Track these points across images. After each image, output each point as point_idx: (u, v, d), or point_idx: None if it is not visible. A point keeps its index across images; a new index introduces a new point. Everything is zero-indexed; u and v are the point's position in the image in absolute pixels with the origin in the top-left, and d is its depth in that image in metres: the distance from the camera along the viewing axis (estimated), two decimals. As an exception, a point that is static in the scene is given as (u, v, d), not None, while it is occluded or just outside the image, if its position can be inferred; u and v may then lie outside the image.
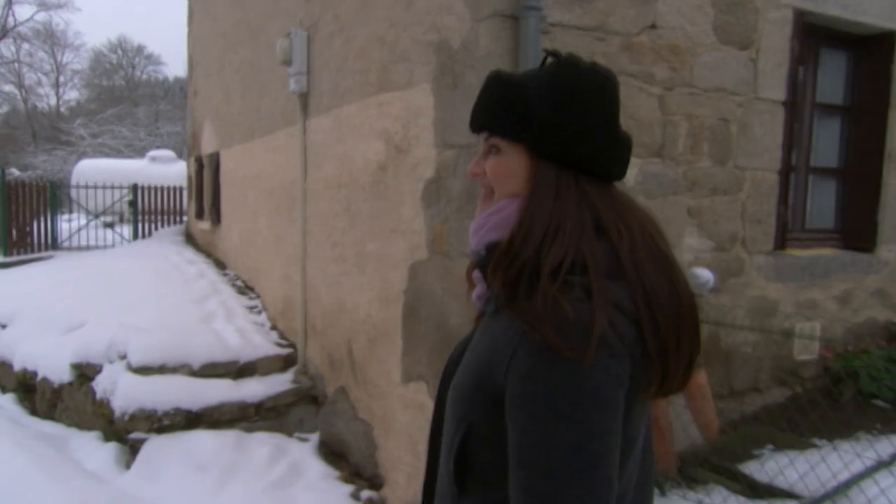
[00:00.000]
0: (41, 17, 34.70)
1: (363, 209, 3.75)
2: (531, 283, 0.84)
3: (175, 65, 69.90)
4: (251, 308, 6.04)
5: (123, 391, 4.30)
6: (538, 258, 0.85)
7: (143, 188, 10.31)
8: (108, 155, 26.84)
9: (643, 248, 0.87)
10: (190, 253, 8.55)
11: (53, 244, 9.57)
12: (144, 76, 54.36)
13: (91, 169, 12.05)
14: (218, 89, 8.15)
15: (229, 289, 6.59)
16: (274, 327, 5.62)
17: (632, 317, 0.82)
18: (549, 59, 0.96)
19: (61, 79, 48.86)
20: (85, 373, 4.97)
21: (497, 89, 0.95)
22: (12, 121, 40.48)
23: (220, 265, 7.80)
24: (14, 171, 12.12)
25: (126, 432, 4.20)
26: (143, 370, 4.44)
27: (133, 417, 4.18)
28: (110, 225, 11.11)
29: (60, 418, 5.13)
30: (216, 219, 8.21)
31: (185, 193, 10.71)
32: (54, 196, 9.49)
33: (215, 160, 8.18)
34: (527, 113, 0.91)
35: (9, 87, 37.48)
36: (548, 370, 0.77)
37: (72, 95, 49.54)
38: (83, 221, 10.50)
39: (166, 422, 4.20)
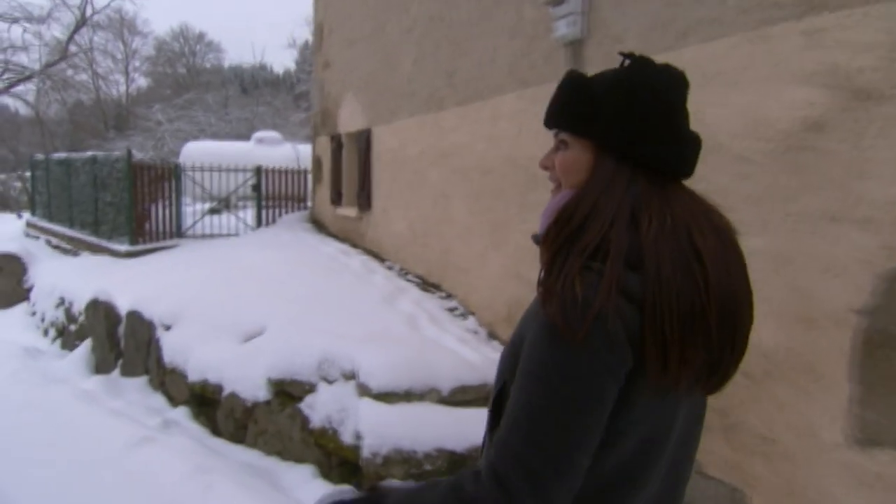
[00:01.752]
0: (112, 4, 34.74)
1: (750, 187, 2.68)
2: (563, 265, 0.88)
3: (234, 52, 70.32)
4: (451, 310, 5.08)
5: (369, 424, 3.37)
6: (573, 240, 0.90)
7: (266, 171, 9.52)
8: (183, 140, 26.64)
9: (670, 241, 0.88)
10: (334, 243, 7.68)
11: (178, 232, 8.87)
12: (207, 64, 54.85)
13: (198, 151, 11.39)
14: (368, 57, 7.20)
15: (410, 286, 5.65)
16: (493, 335, 4.64)
17: (639, 304, 0.84)
18: (627, 61, 0.99)
19: (130, 66, 49.60)
20: (288, 391, 4.09)
21: (568, 88, 1.01)
22: (85, 109, 41.07)
23: (375, 257, 6.89)
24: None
25: (378, 477, 3.27)
26: (387, 396, 3.50)
27: (388, 460, 3.24)
28: (217, 211, 10.40)
29: (256, 444, 4.28)
30: (365, 204, 7.30)
31: (308, 177, 9.90)
32: (178, 179, 8.78)
33: (364, 138, 7.25)
34: (592, 110, 0.96)
35: (81, 76, 37.85)
36: (545, 342, 0.85)
37: (140, 83, 50.32)
38: (196, 207, 9.78)
39: (427, 466, 3.25)
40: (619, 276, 0.84)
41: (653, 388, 0.87)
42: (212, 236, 8.90)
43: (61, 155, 11.89)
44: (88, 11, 33.12)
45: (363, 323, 4.54)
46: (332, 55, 8.45)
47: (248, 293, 5.54)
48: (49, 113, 36.39)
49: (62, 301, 7.25)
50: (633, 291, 0.85)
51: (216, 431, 4.61)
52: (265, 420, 4.21)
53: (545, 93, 3.79)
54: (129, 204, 8.45)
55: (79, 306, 6.84)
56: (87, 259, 8.80)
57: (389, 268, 6.38)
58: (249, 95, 40.31)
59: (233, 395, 4.37)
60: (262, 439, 4.24)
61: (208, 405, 4.71)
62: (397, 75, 6.39)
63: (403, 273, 6.15)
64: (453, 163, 5.25)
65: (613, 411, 0.85)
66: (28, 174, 16.51)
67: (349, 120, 7.84)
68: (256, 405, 4.25)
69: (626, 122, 0.94)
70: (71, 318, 6.93)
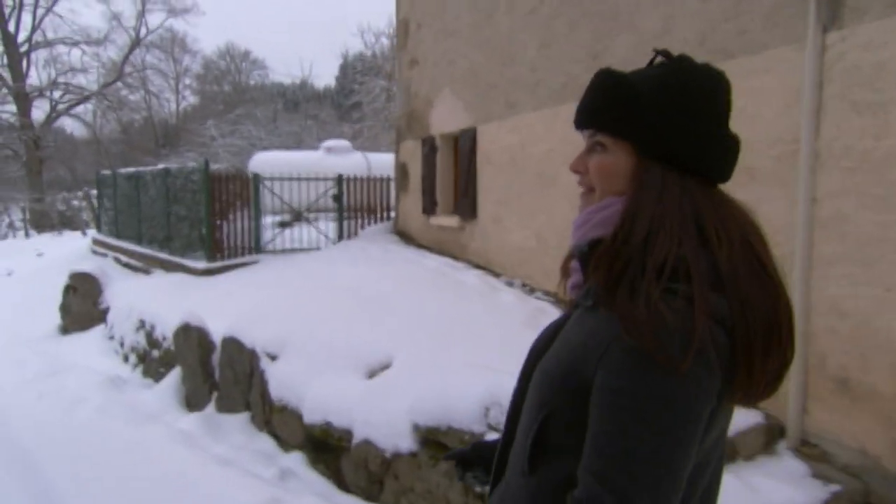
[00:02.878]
0: (164, 24, 35.26)
1: None
2: (633, 284, 0.83)
3: (280, 68, 71.29)
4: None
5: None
6: (640, 259, 0.84)
7: (347, 180, 8.86)
8: (237, 154, 26.55)
9: (742, 257, 0.86)
10: (432, 256, 6.94)
11: (256, 246, 8.27)
12: (252, 82, 55.59)
13: (268, 162, 10.86)
14: (471, 49, 6.46)
15: (547, 305, 4.84)
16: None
17: (728, 326, 0.82)
18: (658, 58, 0.95)
19: (180, 85, 50.55)
20: (442, 441, 3.32)
21: (606, 87, 0.94)
22: (136, 128, 41.66)
23: (485, 271, 6.11)
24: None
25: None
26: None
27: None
28: (287, 224, 9.79)
29: (397, 503, 3.52)
30: (468, 212, 6.54)
31: (389, 186, 9.22)
32: (257, 190, 8.19)
33: (468, 139, 6.51)
34: (636, 112, 0.90)
35: (134, 96, 38.39)
36: (640, 372, 0.78)
37: (190, 100, 51.20)
38: (265, 220, 9.18)
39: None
40: (709, 301, 0.81)
41: (728, 407, 0.87)
42: (292, 251, 8.27)
43: (130, 169, 11.53)
44: (143, 32, 33.80)
45: (515, 354, 3.74)
46: (422, 52, 7.75)
47: (358, 316, 4.82)
48: (104, 133, 37.12)
49: (142, 324, 6.69)
50: (723, 315, 0.82)
51: (342, 485, 3.87)
52: (410, 476, 3.44)
53: (758, 66, 2.83)
54: (205, 217, 7.88)
55: (161, 330, 6.25)
56: (162, 278, 8.28)
57: (509, 284, 5.59)
58: (295, 110, 40.60)
59: (366, 443, 3.62)
60: (407, 499, 3.47)
61: (329, 451, 3.98)
62: (514, 65, 5.62)
63: (528, 290, 5.35)
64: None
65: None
66: (92, 191, 16.37)
67: (446, 120, 7.11)
68: (398, 457, 3.49)
69: (676, 125, 0.89)
70: (153, 342, 6.35)
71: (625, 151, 0.92)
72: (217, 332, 5.26)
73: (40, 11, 29.71)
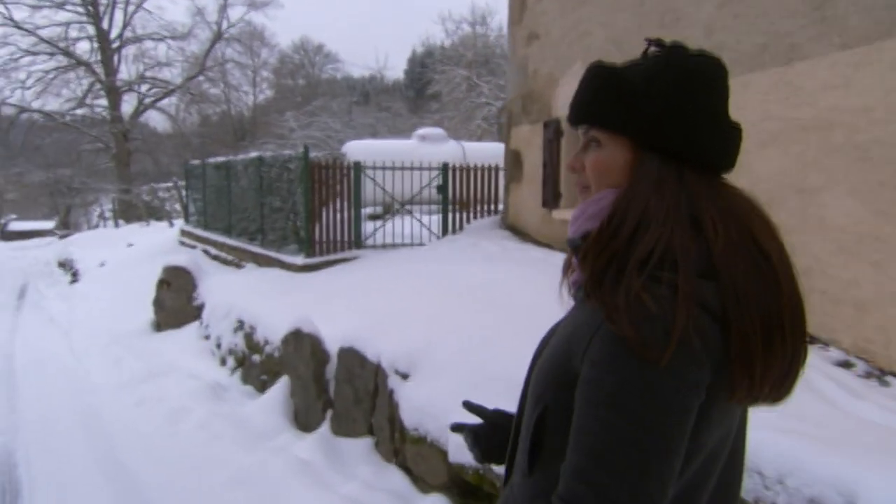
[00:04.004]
0: (245, 17, 35.66)
1: None
2: (618, 275, 0.81)
3: (352, 61, 71.78)
4: (841, 365, 3.28)
5: None
6: (628, 249, 0.82)
7: (452, 169, 8.10)
8: (315, 146, 26.43)
9: (740, 247, 0.82)
10: (559, 255, 6.08)
11: (357, 241, 7.63)
12: (324, 75, 56.10)
13: (361, 150, 10.25)
14: (614, 15, 5.54)
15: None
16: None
17: (718, 318, 0.78)
18: (652, 48, 0.92)
19: (257, 78, 51.52)
20: None
21: (599, 81, 0.92)
22: (214, 121, 42.48)
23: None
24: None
25: None
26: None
27: None
28: (377, 217, 9.13)
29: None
30: (607, 206, 5.64)
31: (496, 175, 8.40)
32: (358, 181, 7.54)
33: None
34: (631, 105, 0.88)
35: (214, 90, 39.10)
36: (620, 363, 0.76)
37: (266, 94, 52.13)
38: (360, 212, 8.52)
39: None
40: (694, 289, 0.77)
41: (726, 403, 0.82)
42: (394, 246, 7.59)
43: (220, 158, 11.20)
44: (224, 26, 34.31)
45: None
46: (543, 25, 6.87)
47: (504, 329, 4.03)
48: (185, 125, 38.04)
49: (241, 325, 6.15)
50: (711, 304, 0.78)
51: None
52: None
53: None
54: (305, 209, 7.29)
55: (263, 333, 5.67)
56: (256, 273, 7.78)
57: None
58: (366, 103, 40.69)
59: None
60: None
61: (484, 499, 3.21)
62: (679, 28, 4.67)
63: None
64: (829, 139, 3.46)
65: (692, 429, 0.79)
66: (180, 182, 16.35)
67: (576, 100, 6.22)
68: None
69: (674, 117, 0.87)
70: (253, 346, 5.79)
71: (621, 146, 0.90)
72: (331, 339, 4.59)
73: (131, 8, 30.56)
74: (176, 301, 7.45)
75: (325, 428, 4.41)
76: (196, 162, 12.62)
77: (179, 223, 16.70)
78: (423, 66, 33.97)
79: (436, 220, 8.12)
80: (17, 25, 28.16)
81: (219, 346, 6.42)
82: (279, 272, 7.60)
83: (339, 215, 7.60)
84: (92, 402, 5.35)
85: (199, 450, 4.15)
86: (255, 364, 5.74)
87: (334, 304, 5.51)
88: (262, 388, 5.54)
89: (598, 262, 0.84)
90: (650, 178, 0.86)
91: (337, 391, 4.42)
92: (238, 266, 9.03)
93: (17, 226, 40.47)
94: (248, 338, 5.96)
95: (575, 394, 0.80)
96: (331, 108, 36.74)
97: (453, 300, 4.77)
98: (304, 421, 4.66)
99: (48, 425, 4.89)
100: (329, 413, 4.48)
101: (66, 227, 32.13)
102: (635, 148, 0.89)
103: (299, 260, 7.36)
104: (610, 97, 0.90)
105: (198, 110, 36.09)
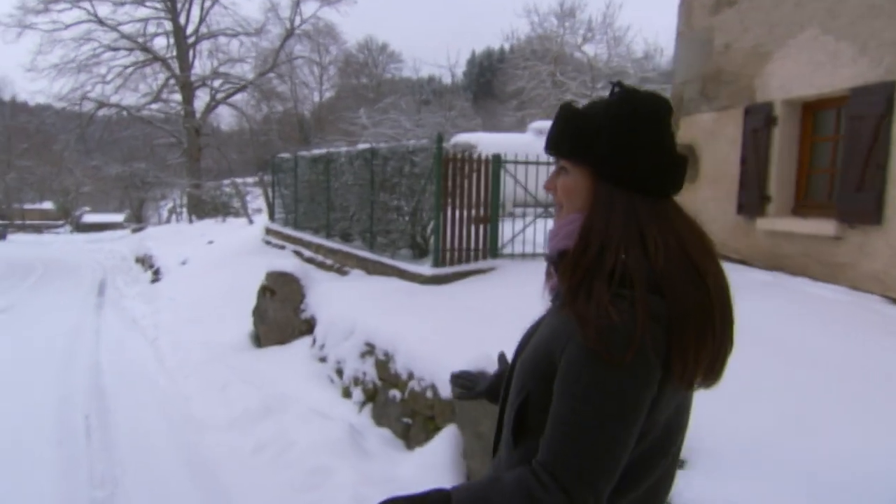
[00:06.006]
0: (312, 13, 35.16)
1: None
2: (589, 290, 0.99)
3: (413, 60, 71.40)
4: None
5: None
6: (595, 268, 1.01)
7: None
8: (387, 143, 25.57)
9: (676, 261, 1.00)
10: (760, 273, 4.73)
11: (493, 249, 6.43)
12: (388, 75, 55.65)
13: (483, 144, 9.01)
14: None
15: None
16: None
17: (664, 324, 0.97)
18: (616, 90, 1.09)
19: (324, 76, 51.46)
20: None
21: (565, 119, 1.11)
22: (281, 117, 42.25)
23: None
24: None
25: None
26: None
27: None
28: (483, 221, 7.85)
29: None
30: (866, 215, 4.26)
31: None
32: (497, 177, 6.34)
33: (875, 101, 4.21)
34: (589, 140, 1.07)
35: (283, 86, 38.82)
36: (590, 366, 0.96)
37: (331, 92, 51.97)
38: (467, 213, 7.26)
39: None
40: (648, 304, 0.95)
41: (672, 390, 1.01)
42: (533, 256, 6.35)
43: (317, 151, 10.23)
44: (297, 22, 33.91)
45: None
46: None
47: (827, 397, 2.72)
48: (255, 121, 37.92)
49: (370, 349, 5.03)
50: (660, 315, 0.96)
51: None
52: None
53: None
54: (436, 209, 6.13)
55: (407, 363, 4.52)
56: (372, 283, 6.67)
57: None
58: (427, 102, 40.12)
59: None
60: None
61: None
62: None
63: None
64: None
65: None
66: (264, 177, 15.56)
67: (800, 77, 4.84)
68: None
69: (622, 150, 1.04)
70: (390, 378, 4.66)
71: (582, 173, 1.08)
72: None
73: (207, 4, 30.47)
74: (280, 312, 6.41)
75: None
76: (285, 155, 11.72)
77: (259, 220, 15.95)
78: (500, 61, 32.76)
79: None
80: (101, 21, 28.41)
81: (339, 372, 5.31)
82: (398, 283, 6.47)
83: (466, 217, 6.40)
84: (199, 446, 4.31)
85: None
86: (393, 401, 4.58)
87: (494, 330, 4.29)
88: (404, 434, 4.39)
89: (573, 278, 1.02)
90: (604, 203, 1.05)
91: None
92: (340, 272, 7.97)
93: (90, 218, 41.28)
94: (383, 367, 4.82)
95: (552, 385, 1.00)
96: (400, 105, 36.01)
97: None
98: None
99: (153, 479, 3.85)
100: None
101: (139, 220, 32.30)
102: (593, 176, 1.07)
103: (426, 269, 6.21)
104: (573, 132, 1.09)
105: (269, 106, 35.81)
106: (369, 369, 4.98)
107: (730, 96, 5.67)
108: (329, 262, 8.48)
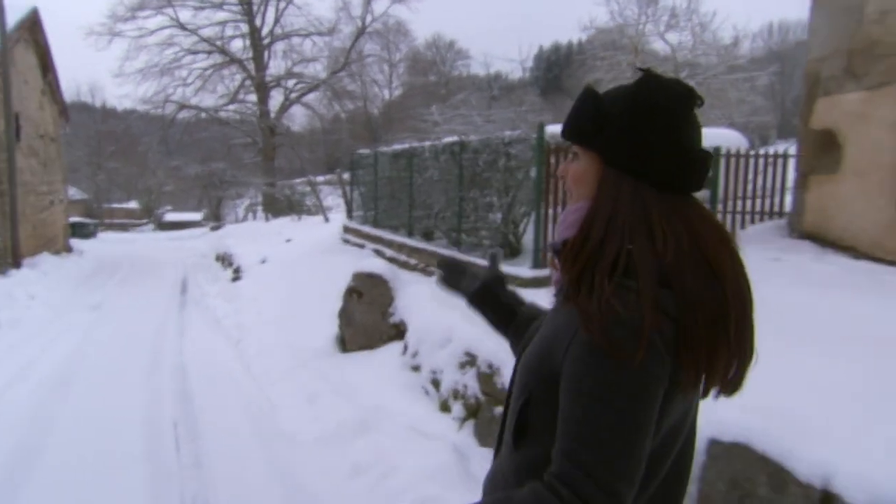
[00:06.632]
0: (383, 11, 35.12)
1: None
2: (591, 282, 0.93)
3: (480, 57, 70.85)
4: None
5: None
6: (597, 258, 0.95)
7: (727, 156, 6.06)
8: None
9: (687, 255, 0.94)
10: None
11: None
12: (455, 72, 55.35)
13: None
14: None
15: None
16: None
17: (674, 319, 0.91)
18: (641, 75, 1.03)
19: (393, 74, 51.72)
20: None
21: (580, 104, 1.05)
22: (343, 116, 42.48)
23: None
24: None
25: None
26: None
27: None
28: None
29: None
30: None
31: (777, 165, 6.28)
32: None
33: None
34: (601, 126, 1.01)
35: (353, 85, 39.00)
36: (596, 363, 0.90)
37: (399, 90, 52.16)
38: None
39: None
40: (656, 296, 0.90)
41: (683, 392, 0.95)
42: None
43: (398, 146, 9.89)
44: (368, 20, 34.01)
45: None
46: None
47: None
48: (326, 120, 38.37)
49: (471, 360, 4.56)
50: (669, 308, 0.91)
51: None
52: None
53: None
54: (536, 204, 5.59)
55: (510, 374, 4.01)
56: (465, 285, 6.21)
57: None
58: (501, 98, 39.72)
59: None
60: None
61: None
62: None
63: None
64: None
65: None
66: (342, 174, 15.43)
67: None
68: None
69: (628, 138, 0.98)
70: (494, 393, 4.18)
71: (592, 160, 1.03)
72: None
73: (282, 4, 30.95)
74: (368, 316, 6.05)
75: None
76: (365, 151, 11.46)
77: (335, 218, 15.85)
78: (569, 55, 31.81)
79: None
80: (182, 26, 29.34)
81: (436, 383, 4.87)
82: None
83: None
84: (291, 463, 3.96)
85: None
86: (499, 419, 4.09)
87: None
88: (515, 458, 3.89)
89: (574, 269, 0.97)
90: (609, 192, 0.99)
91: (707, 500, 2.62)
92: (425, 272, 7.55)
93: (170, 216, 42.93)
94: (487, 380, 4.33)
95: (555, 385, 0.95)
96: (469, 101, 35.55)
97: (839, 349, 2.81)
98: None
99: (244, 497, 3.52)
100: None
101: (216, 218, 33.25)
102: (602, 163, 1.02)
103: (524, 271, 5.69)
104: (587, 117, 1.03)
105: (340, 105, 36.11)
106: (471, 382, 4.51)
107: (887, 72, 4.86)
108: (413, 261, 8.09)
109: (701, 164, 1.01)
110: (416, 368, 5.23)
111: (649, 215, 0.95)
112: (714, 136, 9.64)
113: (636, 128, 0.98)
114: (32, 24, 14.12)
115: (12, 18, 11.88)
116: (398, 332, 5.85)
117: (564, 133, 1.08)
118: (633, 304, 0.89)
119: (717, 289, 0.93)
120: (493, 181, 6.43)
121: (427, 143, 8.46)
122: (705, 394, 0.99)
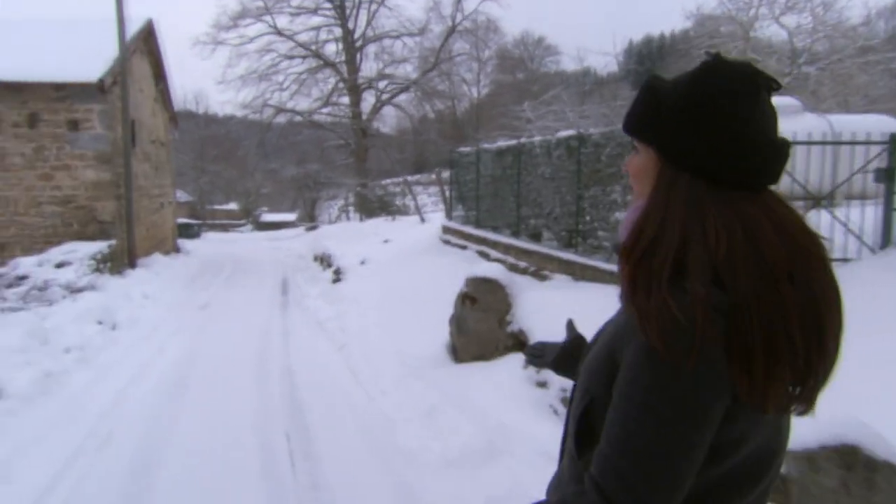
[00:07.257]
0: (473, 8, 34.77)
1: None
2: (648, 283, 0.87)
3: (574, 51, 69.23)
4: None
5: None
6: (650, 258, 0.89)
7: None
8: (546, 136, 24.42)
9: (742, 257, 0.86)
10: None
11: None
12: (543, 69, 54.21)
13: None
14: None
15: None
16: None
17: (724, 315, 0.83)
18: (706, 59, 0.97)
19: (482, 73, 51.32)
20: None
21: (643, 93, 0.98)
22: (430, 117, 42.35)
23: None
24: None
25: None
26: None
27: None
28: None
29: None
30: None
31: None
32: None
33: None
34: (657, 118, 0.94)
35: (443, 84, 38.86)
36: (649, 367, 0.84)
37: (487, 88, 51.70)
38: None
39: None
40: (708, 297, 0.83)
41: (749, 406, 0.86)
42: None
43: (505, 143, 9.45)
44: (458, 18, 33.81)
45: None
46: None
47: None
48: (416, 120, 38.52)
49: (610, 378, 4.04)
50: (722, 308, 0.84)
51: None
52: None
53: None
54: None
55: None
56: (589, 292, 5.67)
57: None
58: (593, 93, 38.68)
59: None
60: None
61: None
62: None
63: None
64: None
65: (718, 429, 0.85)
66: (441, 173, 15.18)
67: None
68: None
69: (683, 131, 0.92)
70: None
71: (649, 155, 0.96)
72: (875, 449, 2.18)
73: (374, 7, 31.32)
74: (483, 324, 5.63)
75: None
76: (465, 149, 11.11)
77: (433, 218, 15.62)
78: (685, 41, 30.28)
79: (862, 219, 5.26)
80: (279, 32, 30.31)
81: (566, 402, 4.37)
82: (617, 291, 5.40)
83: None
84: (416, 489, 3.58)
85: None
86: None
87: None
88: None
89: (629, 270, 0.91)
90: (664, 189, 0.92)
91: None
92: (538, 276, 7.05)
93: (267, 217, 44.60)
94: (632, 404, 3.79)
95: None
96: (561, 98, 34.61)
97: None
98: None
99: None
100: None
101: (311, 219, 34.12)
102: (659, 157, 0.95)
103: (660, 278, 5.07)
104: (647, 109, 0.96)
105: (431, 105, 36.15)
106: (611, 404, 3.98)
107: None
108: (523, 264, 7.61)
109: (774, 155, 0.92)
110: (542, 385, 4.74)
111: (704, 214, 0.88)
112: (861, 123, 8.56)
113: (693, 119, 0.91)
114: (147, 35, 14.78)
115: (130, 30, 12.41)
116: (517, 341, 5.39)
117: (624, 125, 1.02)
118: (688, 307, 0.83)
119: (777, 294, 0.84)
120: (613, 178, 5.84)
121: (537, 139, 7.95)
122: (780, 412, 0.88)
